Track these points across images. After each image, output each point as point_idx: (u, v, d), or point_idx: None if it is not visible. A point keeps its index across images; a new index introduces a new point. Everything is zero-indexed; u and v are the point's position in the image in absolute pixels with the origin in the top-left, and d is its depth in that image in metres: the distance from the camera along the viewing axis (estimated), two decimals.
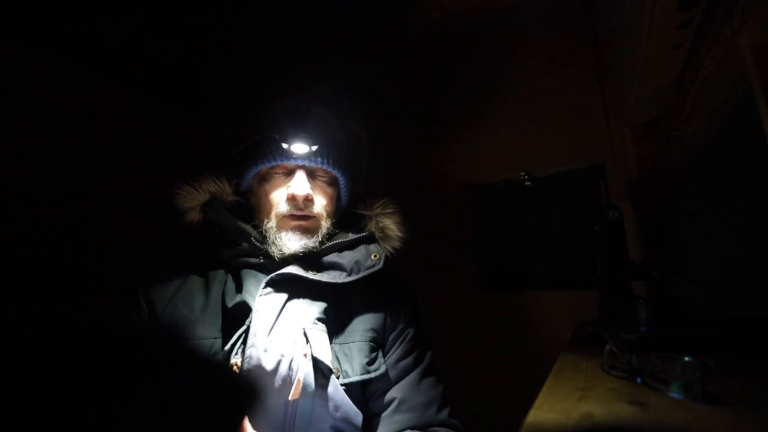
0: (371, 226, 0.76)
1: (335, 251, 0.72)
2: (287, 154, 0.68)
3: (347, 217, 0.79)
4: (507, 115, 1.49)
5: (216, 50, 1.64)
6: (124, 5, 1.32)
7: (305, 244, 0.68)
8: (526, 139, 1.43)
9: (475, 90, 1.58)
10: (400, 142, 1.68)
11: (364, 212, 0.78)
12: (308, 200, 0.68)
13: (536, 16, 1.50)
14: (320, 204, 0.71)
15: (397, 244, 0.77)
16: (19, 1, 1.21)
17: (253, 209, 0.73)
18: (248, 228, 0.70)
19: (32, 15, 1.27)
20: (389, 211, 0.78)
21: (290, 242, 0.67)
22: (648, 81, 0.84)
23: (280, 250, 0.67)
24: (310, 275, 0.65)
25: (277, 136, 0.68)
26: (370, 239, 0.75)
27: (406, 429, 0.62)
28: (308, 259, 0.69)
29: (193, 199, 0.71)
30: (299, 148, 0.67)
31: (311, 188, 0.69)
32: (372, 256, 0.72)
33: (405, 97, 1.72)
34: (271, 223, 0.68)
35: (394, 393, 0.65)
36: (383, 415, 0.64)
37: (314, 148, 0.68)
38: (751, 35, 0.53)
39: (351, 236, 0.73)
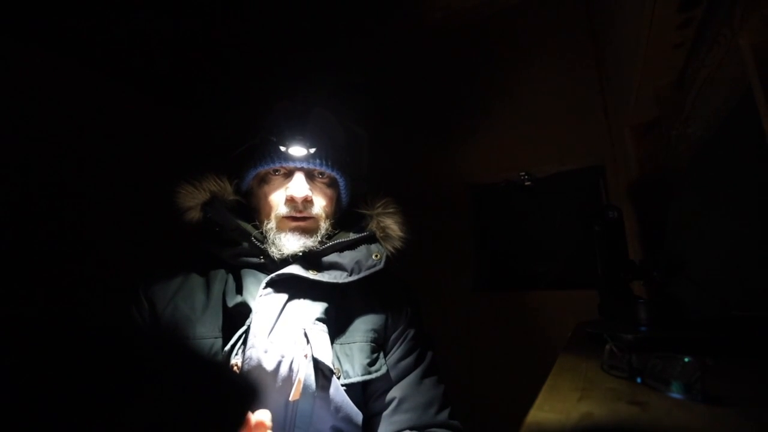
0: (372, 226, 0.76)
1: (336, 251, 0.71)
2: (285, 157, 0.67)
3: (348, 216, 0.78)
4: (507, 115, 1.49)
5: (218, 50, 1.64)
6: (124, 5, 1.32)
7: (304, 244, 0.68)
8: (526, 138, 1.44)
9: (476, 90, 1.58)
10: (401, 142, 1.68)
11: (365, 212, 0.78)
12: (307, 201, 0.68)
13: (536, 16, 1.50)
14: (319, 205, 0.71)
15: (398, 244, 0.77)
16: (19, 0, 1.21)
17: (253, 210, 0.73)
18: (249, 227, 0.70)
19: (32, 15, 1.27)
20: (390, 210, 0.78)
21: (289, 243, 0.67)
22: (648, 81, 0.84)
23: (280, 251, 0.67)
24: (311, 275, 0.65)
25: (275, 139, 0.67)
26: (371, 239, 0.75)
27: (405, 429, 0.62)
28: (309, 259, 0.69)
29: (193, 198, 0.71)
30: (297, 150, 0.67)
31: (310, 189, 0.69)
32: (373, 256, 0.72)
33: (405, 97, 1.72)
34: (271, 224, 0.68)
35: (394, 392, 0.65)
36: (383, 414, 0.64)
37: (312, 150, 0.68)
38: (751, 35, 0.53)
39: (352, 236, 0.73)
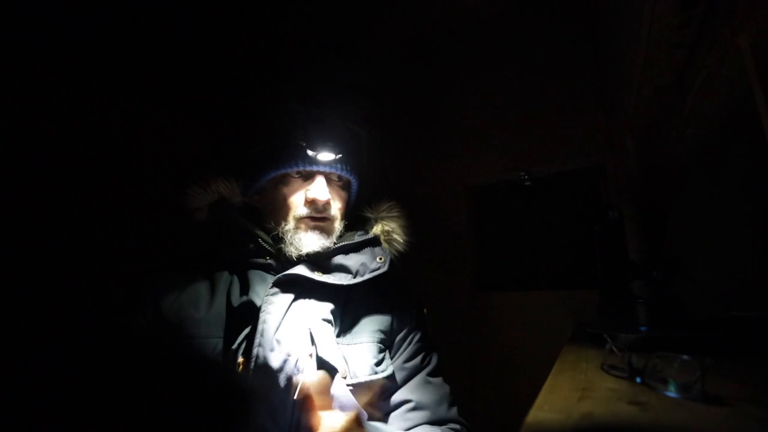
0: (376, 229, 0.77)
1: (341, 253, 0.72)
2: (311, 161, 0.69)
3: (353, 219, 0.79)
4: (507, 115, 1.49)
5: (224, 52, 1.64)
6: (134, 8, 1.32)
7: (323, 244, 0.69)
8: (526, 139, 1.43)
9: (475, 90, 1.58)
10: (400, 142, 1.68)
11: (369, 215, 0.79)
12: (327, 204, 0.70)
13: (536, 17, 1.50)
14: (336, 207, 0.73)
15: (401, 247, 0.78)
16: (20, 1, 1.21)
17: (264, 211, 0.74)
18: (256, 228, 0.70)
19: (33, 15, 1.27)
20: (395, 214, 0.79)
21: (310, 242, 0.68)
22: (648, 81, 0.84)
23: (299, 250, 0.68)
24: (317, 276, 0.66)
25: (304, 144, 0.69)
26: (375, 242, 0.76)
27: (422, 424, 0.63)
28: (315, 260, 0.70)
29: (201, 200, 0.72)
30: (325, 156, 0.69)
31: (329, 192, 0.71)
32: (377, 259, 0.73)
33: (405, 97, 1.72)
34: (289, 226, 0.70)
35: (403, 393, 0.66)
36: (395, 414, 0.64)
37: (339, 156, 0.71)
38: (751, 35, 0.53)
39: (357, 238, 0.74)
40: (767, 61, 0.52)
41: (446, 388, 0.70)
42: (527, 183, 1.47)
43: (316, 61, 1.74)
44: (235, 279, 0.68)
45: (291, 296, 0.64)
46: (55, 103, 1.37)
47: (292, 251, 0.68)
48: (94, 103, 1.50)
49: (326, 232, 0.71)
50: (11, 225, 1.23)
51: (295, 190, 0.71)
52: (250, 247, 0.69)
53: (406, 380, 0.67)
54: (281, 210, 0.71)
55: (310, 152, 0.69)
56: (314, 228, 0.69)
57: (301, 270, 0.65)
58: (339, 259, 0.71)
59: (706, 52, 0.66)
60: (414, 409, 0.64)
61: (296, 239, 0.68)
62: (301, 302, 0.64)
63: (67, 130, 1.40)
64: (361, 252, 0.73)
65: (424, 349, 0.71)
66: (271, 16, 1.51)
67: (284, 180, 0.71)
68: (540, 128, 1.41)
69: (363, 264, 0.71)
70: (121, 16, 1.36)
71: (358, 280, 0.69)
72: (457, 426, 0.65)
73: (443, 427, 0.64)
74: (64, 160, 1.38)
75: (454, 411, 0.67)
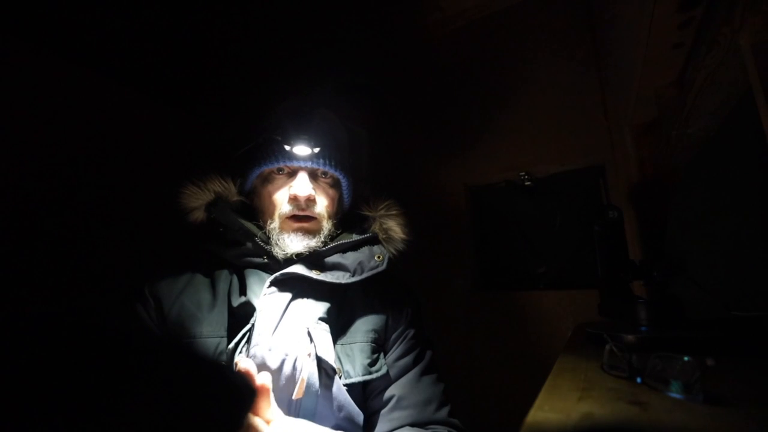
0: (375, 228, 0.77)
1: (339, 252, 0.72)
2: (289, 156, 0.68)
3: (351, 218, 0.79)
4: (507, 115, 1.49)
5: (221, 51, 1.64)
6: (126, 5, 1.32)
7: (307, 245, 0.68)
8: (526, 139, 1.44)
9: (475, 90, 1.58)
10: (400, 142, 1.68)
11: (367, 213, 0.78)
12: (310, 201, 0.69)
13: (536, 16, 1.50)
14: (322, 205, 0.71)
15: (400, 246, 0.77)
16: (19, 0, 1.21)
17: (256, 210, 0.74)
18: (252, 228, 0.70)
19: (32, 14, 1.27)
20: (393, 212, 0.78)
21: (293, 243, 0.68)
22: (648, 81, 0.84)
23: (283, 251, 0.67)
24: (314, 275, 0.66)
25: (280, 138, 0.68)
26: (373, 240, 0.75)
27: (404, 426, 0.62)
28: (312, 259, 0.69)
29: (198, 199, 0.72)
30: (301, 150, 0.68)
31: (313, 189, 0.69)
32: (375, 257, 0.72)
33: (405, 97, 1.72)
34: (274, 224, 0.69)
35: (393, 390, 0.65)
36: (382, 412, 0.64)
37: (316, 150, 0.69)
38: (751, 35, 0.53)
39: (355, 237, 0.73)
40: (767, 61, 0.52)
41: (438, 388, 0.69)
42: (527, 183, 1.47)
43: (312, 60, 1.73)
44: (234, 278, 0.68)
45: (289, 295, 0.64)
46: (51, 102, 1.37)
47: (278, 252, 0.67)
48: (97, 106, 1.50)
49: (310, 233, 0.69)
50: (11, 224, 1.23)
51: (279, 188, 0.70)
52: (247, 246, 0.69)
53: (397, 377, 0.67)
54: (268, 208, 0.70)
55: (286, 147, 0.67)
56: (297, 230, 0.68)
57: (298, 269, 0.65)
58: (336, 258, 0.70)
59: (706, 52, 0.66)
60: (399, 407, 0.64)
61: (280, 240, 0.68)
62: (299, 301, 0.64)
63: (65, 129, 1.40)
64: (359, 251, 0.73)
65: (417, 346, 0.71)
66: (271, 14, 1.51)
67: (269, 178, 0.71)
68: (540, 128, 1.41)
69: (361, 263, 0.70)
70: (118, 15, 1.36)
71: (356, 278, 0.68)
72: (443, 429, 0.64)
73: (428, 429, 0.63)
74: (61, 159, 1.38)
75: (443, 412, 0.66)
